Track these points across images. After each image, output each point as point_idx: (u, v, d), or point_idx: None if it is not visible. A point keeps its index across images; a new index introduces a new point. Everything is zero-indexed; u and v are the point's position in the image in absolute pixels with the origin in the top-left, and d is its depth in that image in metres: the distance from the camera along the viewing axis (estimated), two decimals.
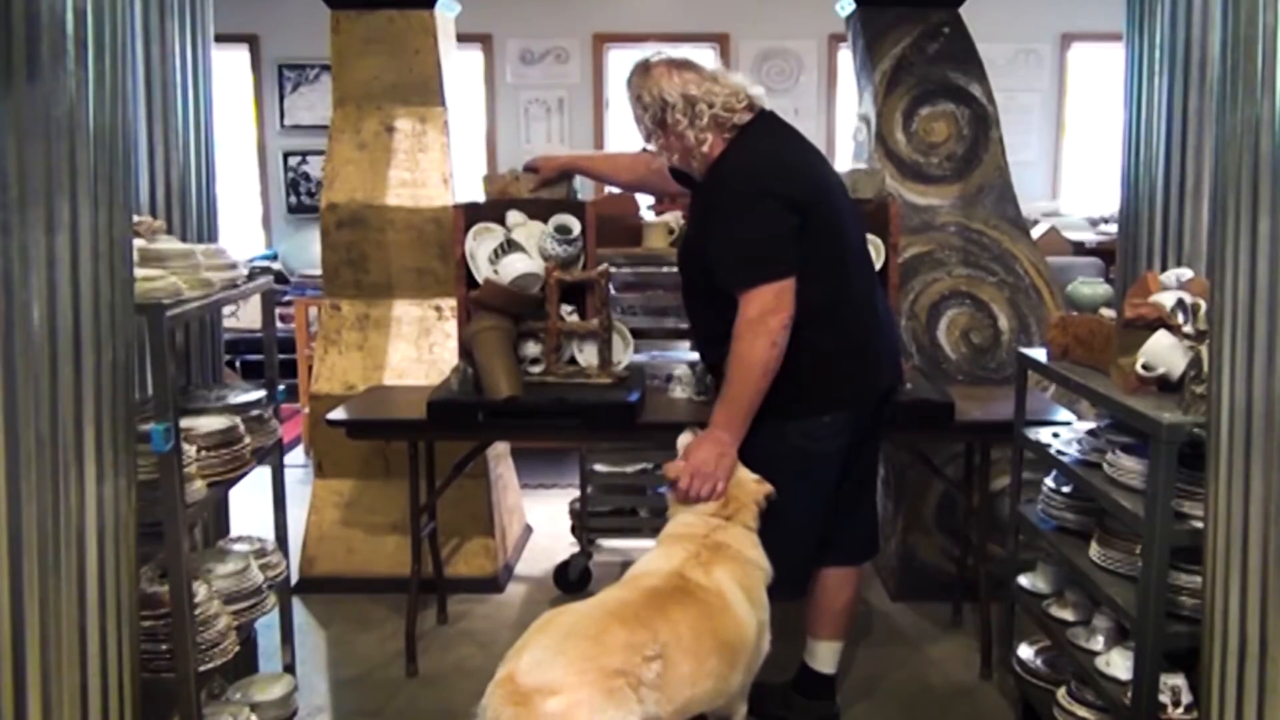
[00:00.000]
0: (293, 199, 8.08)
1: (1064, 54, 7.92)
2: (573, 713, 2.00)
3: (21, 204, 1.86)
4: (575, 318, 3.47)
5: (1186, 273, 2.80)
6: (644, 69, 2.77)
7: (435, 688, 3.38)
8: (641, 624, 2.20)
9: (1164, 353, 2.51)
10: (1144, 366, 2.52)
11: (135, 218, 2.46)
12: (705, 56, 7.81)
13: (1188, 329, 2.54)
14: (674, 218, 3.74)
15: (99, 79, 1.98)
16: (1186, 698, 2.41)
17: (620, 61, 7.85)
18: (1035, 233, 6.22)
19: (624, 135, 7.45)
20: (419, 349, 4.15)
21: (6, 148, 1.84)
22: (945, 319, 4.06)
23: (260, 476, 3.10)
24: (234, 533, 3.21)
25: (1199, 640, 2.17)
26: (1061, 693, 2.79)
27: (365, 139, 4.19)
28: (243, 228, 7.92)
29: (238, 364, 6.59)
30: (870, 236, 3.45)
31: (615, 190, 3.92)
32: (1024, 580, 3.15)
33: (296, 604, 3.72)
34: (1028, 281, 4.10)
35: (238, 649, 2.71)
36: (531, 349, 3.44)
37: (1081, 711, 2.70)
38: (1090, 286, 3.08)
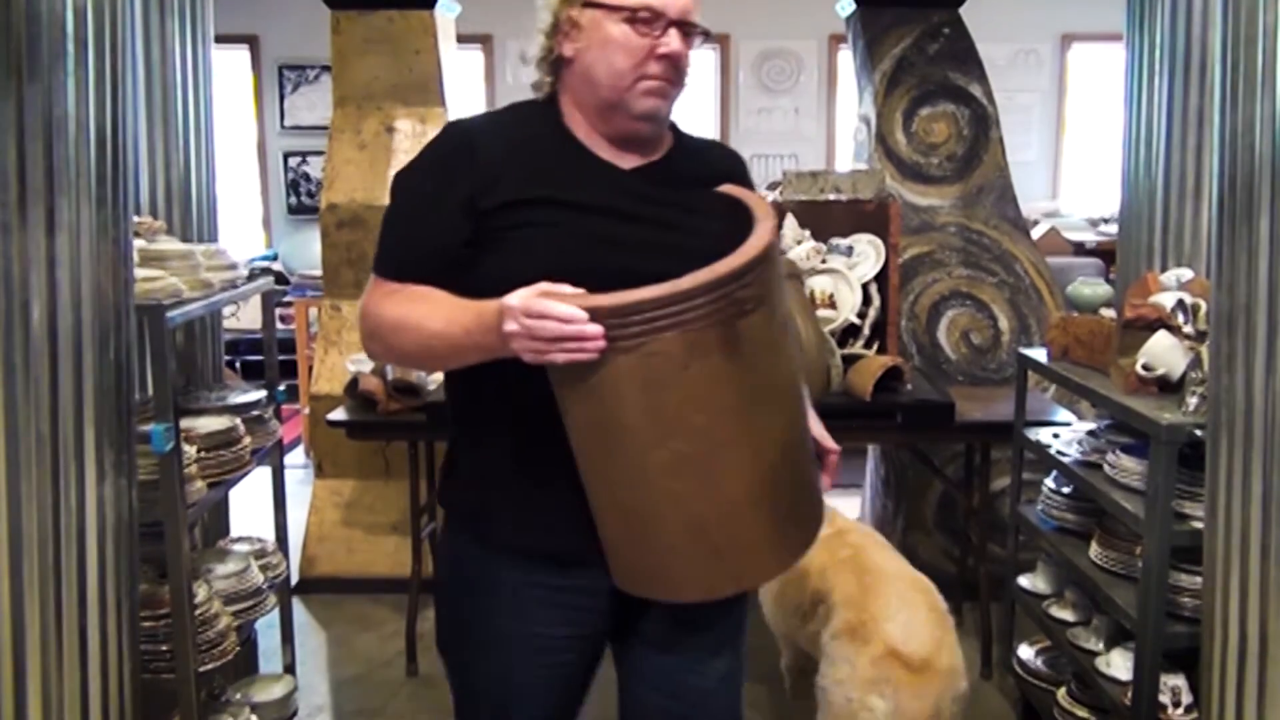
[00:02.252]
0: (293, 199, 8.07)
1: (1064, 54, 7.92)
2: (960, 663, 2.21)
3: (21, 204, 1.86)
4: None
5: (1186, 273, 2.80)
6: None
7: (435, 688, 3.38)
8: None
9: (1164, 353, 2.51)
10: (1144, 367, 2.52)
11: (135, 218, 2.46)
12: (705, 56, 7.82)
13: (1188, 329, 2.54)
14: None
15: (99, 79, 1.98)
16: (1186, 698, 2.41)
17: None
18: (1035, 233, 6.22)
19: None
20: None
21: (6, 148, 1.84)
22: (945, 319, 4.06)
23: (260, 476, 3.10)
24: (234, 533, 3.21)
25: (1199, 640, 2.17)
26: (1061, 693, 2.79)
27: (365, 139, 4.19)
28: (243, 228, 7.91)
29: (238, 364, 6.59)
30: (870, 236, 3.47)
31: None
32: (1024, 580, 3.15)
33: (296, 604, 3.72)
34: (1028, 282, 4.10)
35: (238, 649, 2.71)
36: None
37: (1081, 712, 2.70)
38: (1090, 286, 3.08)
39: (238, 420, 2.83)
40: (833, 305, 3.35)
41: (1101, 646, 2.68)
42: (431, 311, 1.60)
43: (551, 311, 1.41)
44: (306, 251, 7.29)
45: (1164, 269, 3.04)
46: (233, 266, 2.86)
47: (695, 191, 1.75)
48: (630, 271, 1.46)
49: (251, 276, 3.01)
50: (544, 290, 1.45)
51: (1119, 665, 2.56)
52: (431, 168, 1.71)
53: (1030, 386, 3.24)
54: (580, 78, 1.69)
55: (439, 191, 1.67)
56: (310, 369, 4.59)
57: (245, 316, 5.85)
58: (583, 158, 1.72)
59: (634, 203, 1.69)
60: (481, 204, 1.63)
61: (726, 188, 1.75)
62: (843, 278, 3.36)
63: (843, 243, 3.44)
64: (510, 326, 1.44)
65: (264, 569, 2.97)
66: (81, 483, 1.99)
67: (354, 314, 4.17)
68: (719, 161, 1.86)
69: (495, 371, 1.57)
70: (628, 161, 1.73)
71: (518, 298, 1.45)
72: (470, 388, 1.71)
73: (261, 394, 3.06)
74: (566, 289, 1.45)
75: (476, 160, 1.66)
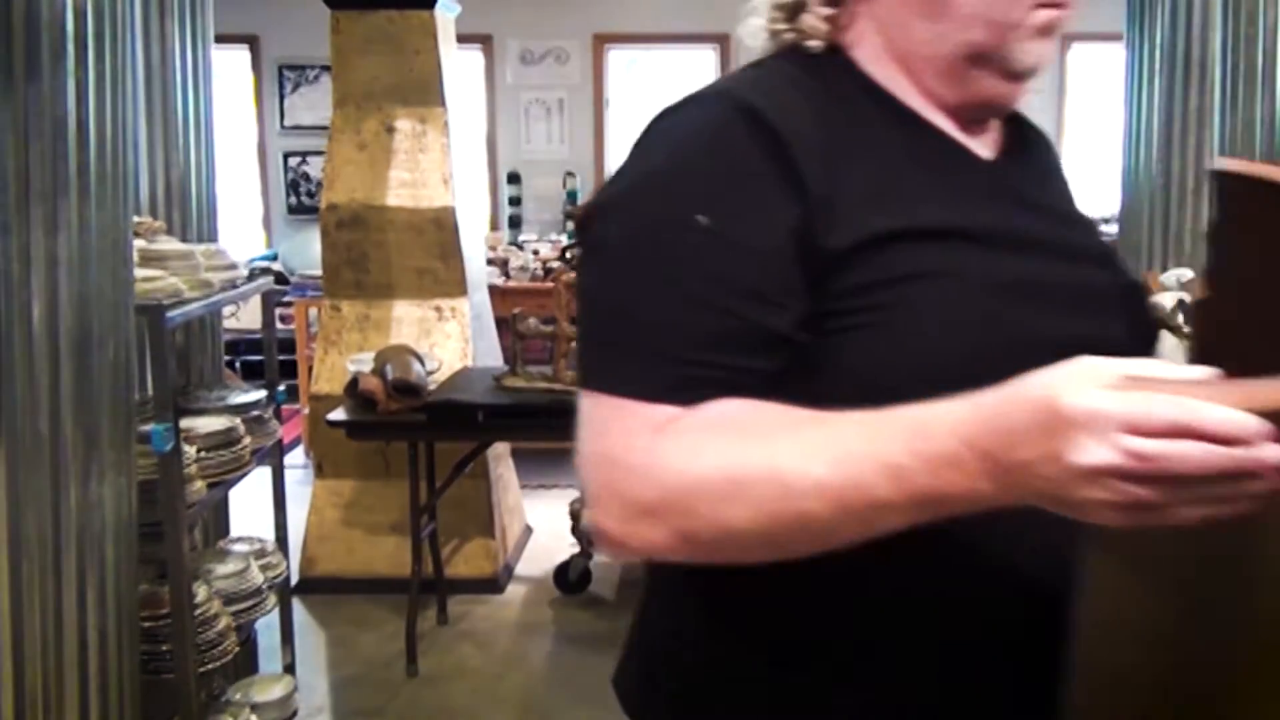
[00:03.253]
0: (293, 199, 8.07)
1: (1064, 54, 7.92)
2: None
3: (21, 204, 1.86)
4: None
5: (1186, 273, 2.81)
6: None
7: (435, 688, 3.38)
8: None
9: (1164, 353, 2.51)
10: None
11: (135, 218, 2.47)
12: (705, 57, 7.82)
13: (1188, 329, 2.54)
14: None
15: (99, 79, 1.98)
16: None
17: (620, 62, 7.85)
18: None
19: (624, 135, 7.45)
20: (419, 350, 4.15)
21: (6, 148, 1.84)
22: None
23: (260, 476, 3.11)
24: (234, 533, 3.21)
25: None
26: None
27: (365, 139, 4.19)
28: (243, 228, 7.91)
29: (238, 364, 6.59)
30: None
31: None
32: None
33: (296, 604, 3.72)
34: None
35: (238, 649, 2.71)
36: None
37: None
38: None
39: (238, 420, 2.83)
40: None
41: None
42: (793, 447, 0.78)
43: (1198, 423, 0.65)
44: (306, 251, 7.29)
45: (1164, 269, 3.05)
46: (233, 266, 2.86)
47: (1064, 192, 1.10)
48: (1074, 344, 0.75)
49: (251, 276, 3.02)
50: (1133, 377, 0.69)
51: None
52: (708, 178, 0.88)
53: None
54: (913, 11, 0.96)
55: (740, 223, 0.86)
56: (310, 369, 4.59)
57: (245, 316, 5.83)
58: (942, 148, 0.98)
59: (1026, 219, 1.00)
60: (824, 241, 0.86)
61: (1243, 165, 0.93)
62: None
63: None
64: (1098, 455, 0.67)
65: (264, 569, 2.97)
66: (82, 483, 1.99)
67: (353, 314, 4.18)
68: (1048, 144, 1.14)
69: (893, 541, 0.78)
70: (981, 148, 1.01)
71: (1103, 397, 0.68)
72: (804, 581, 0.86)
73: (261, 394, 3.06)
74: (1169, 370, 0.73)
75: (793, 161, 0.87)
